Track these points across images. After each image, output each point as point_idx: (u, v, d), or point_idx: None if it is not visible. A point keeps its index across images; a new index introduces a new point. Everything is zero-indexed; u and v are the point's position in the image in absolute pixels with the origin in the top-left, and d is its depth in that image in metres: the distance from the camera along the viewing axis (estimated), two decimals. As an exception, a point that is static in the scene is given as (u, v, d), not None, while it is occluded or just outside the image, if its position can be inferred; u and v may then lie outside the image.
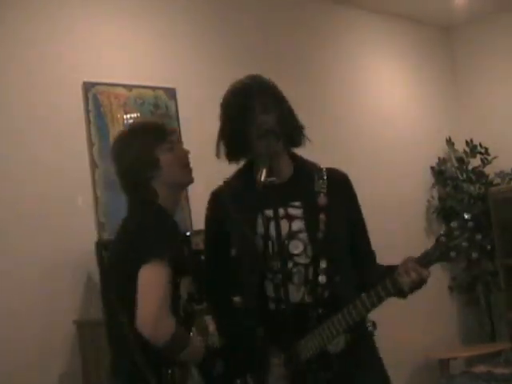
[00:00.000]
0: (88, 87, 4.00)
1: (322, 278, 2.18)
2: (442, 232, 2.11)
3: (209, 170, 4.50)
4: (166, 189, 2.36)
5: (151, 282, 2.13)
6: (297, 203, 2.25)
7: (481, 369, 4.81)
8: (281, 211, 2.19)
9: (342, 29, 5.73)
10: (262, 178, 2.04)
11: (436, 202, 6.09)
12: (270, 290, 2.22)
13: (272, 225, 2.16)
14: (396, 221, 5.61)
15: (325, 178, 2.30)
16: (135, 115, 4.20)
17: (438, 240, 2.10)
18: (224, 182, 2.41)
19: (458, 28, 6.57)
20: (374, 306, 2.13)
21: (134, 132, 2.47)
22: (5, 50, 3.74)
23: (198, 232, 3.89)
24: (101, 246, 3.58)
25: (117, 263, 2.31)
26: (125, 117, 4.16)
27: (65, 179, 3.80)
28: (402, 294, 2.13)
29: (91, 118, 4.00)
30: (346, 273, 2.28)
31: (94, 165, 3.92)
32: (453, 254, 2.06)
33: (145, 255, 2.15)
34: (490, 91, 6.37)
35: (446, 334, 6.01)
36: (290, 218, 2.23)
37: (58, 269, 3.67)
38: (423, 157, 6.08)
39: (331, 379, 2.15)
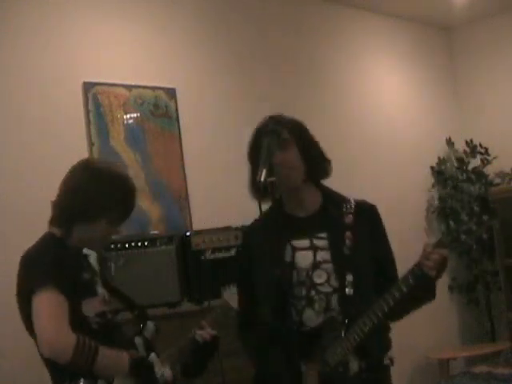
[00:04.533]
0: (88, 87, 4.01)
1: (349, 291, 2.26)
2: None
3: (208, 170, 4.52)
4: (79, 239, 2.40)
5: (41, 307, 2.19)
6: (323, 235, 2.34)
7: (481, 369, 4.80)
8: (306, 242, 2.33)
9: (342, 29, 5.73)
10: (262, 178, 2.04)
11: (436, 202, 6.09)
12: (293, 315, 2.32)
13: (298, 254, 2.31)
14: (396, 221, 5.59)
15: (353, 205, 2.37)
16: (135, 115, 4.21)
17: (448, 228, 2.23)
18: (255, 219, 2.47)
19: (458, 28, 6.58)
20: (395, 298, 2.17)
21: (124, 185, 2.43)
22: (5, 50, 3.75)
23: (198, 232, 3.89)
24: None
25: (17, 297, 2.35)
26: (125, 117, 4.16)
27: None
28: (428, 281, 2.18)
29: (91, 118, 4.00)
30: (371, 290, 2.32)
31: (93, 165, 3.93)
32: (463, 236, 2.16)
33: (32, 287, 2.22)
34: (489, 91, 6.37)
35: (446, 333, 6.01)
36: (315, 249, 2.33)
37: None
38: (423, 157, 6.08)
39: None
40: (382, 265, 2.38)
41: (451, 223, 5.65)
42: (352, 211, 2.35)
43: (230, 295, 2.62)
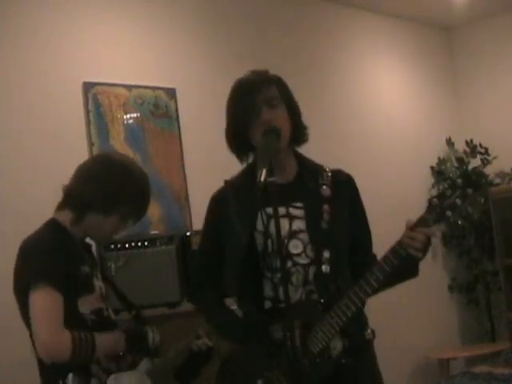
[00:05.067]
0: (88, 87, 4.01)
1: (325, 268, 2.14)
2: (432, 195, 2.10)
3: (208, 170, 4.52)
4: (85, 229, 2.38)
5: (40, 307, 2.17)
6: (299, 204, 2.22)
7: (481, 369, 4.80)
8: (282, 210, 2.16)
9: (342, 29, 5.73)
10: (262, 179, 2.02)
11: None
12: (267, 289, 2.18)
13: (272, 223, 2.06)
14: (396, 221, 5.58)
15: (329, 175, 2.28)
16: (135, 115, 4.21)
17: (430, 203, 2.08)
18: (225, 181, 2.38)
19: (458, 28, 6.58)
20: (379, 280, 2.07)
21: (141, 181, 2.41)
22: (5, 50, 3.75)
23: (197, 232, 3.89)
24: (101, 246, 3.58)
25: (14, 289, 2.32)
26: (125, 117, 4.16)
27: (65, 179, 3.79)
28: (412, 261, 2.10)
29: (91, 118, 4.00)
30: (346, 266, 2.25)
31: (93, 165, 3.93)
32: (448, 213, 2.05)
33: (28, 281, 2.19)
34: (489, 91, 6.38)
35: (446, 333, 6.01)
36: (291, 218, 2.20)
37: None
38: (423, 157, 6.08)
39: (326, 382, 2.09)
40: (359, 240, 2.30)
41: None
42: (329, 182, 2.25)
43: (229, 302, 2.59)
